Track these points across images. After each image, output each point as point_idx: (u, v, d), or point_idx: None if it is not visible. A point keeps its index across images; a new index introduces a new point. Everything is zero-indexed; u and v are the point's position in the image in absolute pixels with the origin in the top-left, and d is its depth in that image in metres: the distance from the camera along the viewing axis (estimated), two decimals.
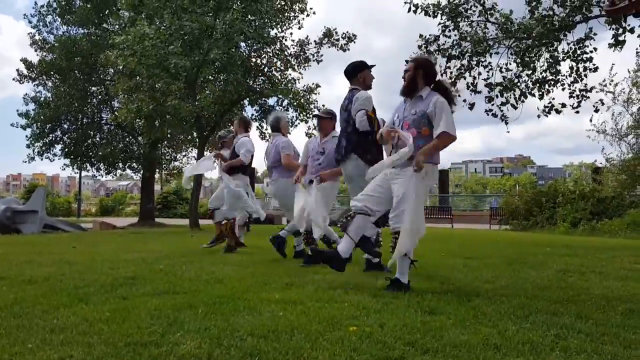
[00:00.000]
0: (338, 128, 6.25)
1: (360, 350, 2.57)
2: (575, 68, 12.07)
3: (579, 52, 11.89)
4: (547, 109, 12.40)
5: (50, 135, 24.76)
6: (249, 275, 5.05)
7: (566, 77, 12.24)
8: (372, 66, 5.66)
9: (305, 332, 2.87)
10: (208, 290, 4.20)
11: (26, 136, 24.34)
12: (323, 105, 19.73)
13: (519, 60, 12.26)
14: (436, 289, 4.34)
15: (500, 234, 15.42)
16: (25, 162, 24.66)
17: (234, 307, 3.52)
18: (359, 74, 5.53)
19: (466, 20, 12.46)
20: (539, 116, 12.61)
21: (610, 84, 19.34)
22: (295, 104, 18.53)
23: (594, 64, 11.96)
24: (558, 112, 12.36)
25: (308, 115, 18.67)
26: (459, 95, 11.42)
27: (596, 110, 12.79)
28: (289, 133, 7.41)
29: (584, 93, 12.20)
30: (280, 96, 18.36)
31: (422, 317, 3.28)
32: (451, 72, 12.86)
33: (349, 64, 5.70)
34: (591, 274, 5.55)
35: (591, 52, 11.85)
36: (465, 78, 12.83)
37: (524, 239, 11.93)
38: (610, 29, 11.20)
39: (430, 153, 4.38)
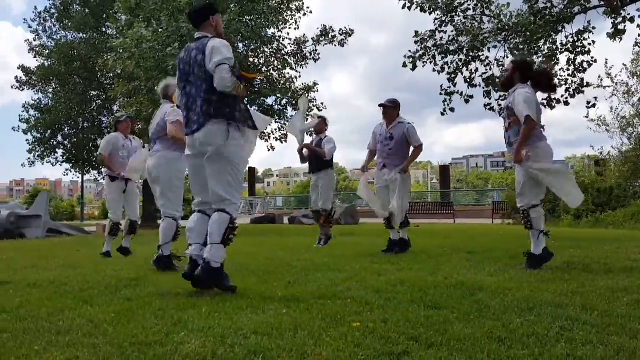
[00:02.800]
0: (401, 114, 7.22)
1: (364, 345, 2.57)
2: (572, 60, 12.05)
3: (577, 44, 11.87)
4: (544, 102, 12.38)
5: (52, 140, 24.78)
6: (251, 274, 5.06)
7: (563, 71, 12.23)
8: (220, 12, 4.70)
9: (308, 329, 2.87)
10: (211, 289, 4.20)
11: (27, 141, 24.38)
12: (322, 104, 19.77)
13: (516, 52, 12.25)
14: (439, 283, 4.34)
15: (503, 228, 15.40)
16: (25, 166, 24.63)
17: (237, 305, 3.52)
18: (211, 16, 4.34)
19: (462, 14, 12.46)
20: (545, 105, 12.57)
21: (608, 77, 19.32)
22: (294, 102, 18.53)
23: (592, 57, 11.94)
24: (551, 107, 12.37)
25: (307, 113, 18.62)
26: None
27: (593, 106, 12.76)
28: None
29: (580, 88, 12.18)
30: (279, 95, 18.36)
31: (425, 312, 3.28)
32: (449, 68, 12.86)
33: (194, 6, 4.94)
34: (596, 265, 5.55)
35: (589, 44, 11.83)
36: (462, 73, 12.83)
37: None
38: (610, 18, 11.18)
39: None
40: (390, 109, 7.15)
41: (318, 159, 8.61)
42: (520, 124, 5.24)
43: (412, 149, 7.07)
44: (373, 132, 7.40)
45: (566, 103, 12.35)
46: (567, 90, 12.29)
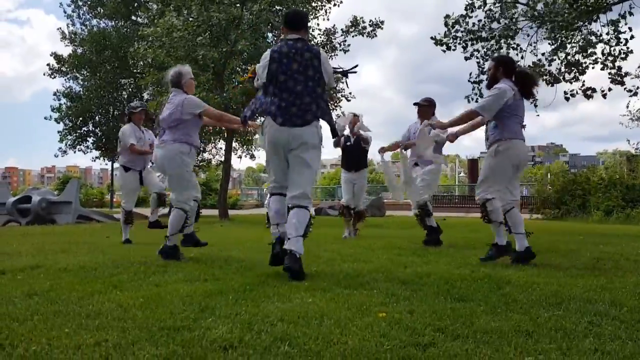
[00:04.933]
0: (436, 113, 7.22)
1: (389, 336, 2.57)
2: (609, 51, 11.76)
3: (613, 35, 11.58)
4: (574, 92, 12.13)
5: (82, 128, 25.18)
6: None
7: (598, 62, 11.95)
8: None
9: (334, 318, 2.88)
10: (238, 277, 4.24)
11: (58, 131, 24.83)
12: (350, 94, 19.71)
13: (552, 42, 12.00)
14: (466, 276, 4.31)
15: (531, 222, 15.21)
16: (57, 156, 25.16)
17: (263, 293, 3.55)
18: (308, 24, 5.00)
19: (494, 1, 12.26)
20: (567, 99, 12.34)
21: None
22: None
23: (628, 47, 11.64)
24: (588, 97, 12.09)
25: (336, 104, 18.63)
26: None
27: (635, 94, 12.44)
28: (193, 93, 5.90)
29: (620, 76, 11.88)
30: None
31: (451, 304, 3.26)
32: (479, 54, 12.69)
33: (295, 10, 5.44)
34: (625, 261, 5.45)
35: (624, 32, 11.52)
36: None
37: (556, 228, 11.76)
38: None
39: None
40: (425, 107, 7.20)
41: (360, 157, 8.75)
42: (499, 119, 5.22)
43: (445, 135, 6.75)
44: (408, 127, 7.47)
45: (603, 95, 12.09)
46: (612, 81, 11.99)
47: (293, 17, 4.71)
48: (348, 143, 8.75)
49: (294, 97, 4.39)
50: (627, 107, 21.73)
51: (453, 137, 6.36)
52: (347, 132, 8.83)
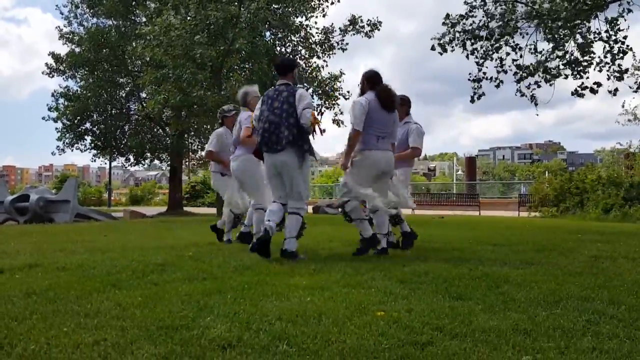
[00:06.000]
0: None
1: (387, 334, 2.58)
2: (608, 49, 11.75)
3: (611, 32, 11.57)
4: (580, 89, 12.12)
5: (80, 127, 25.14)
6: (275, 262, 5.09)
7: (600, 59, 11.93)
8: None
9: (332, 316, 2.88)
10: (236, 276, 4.24)
11: (56, 129, 24.78)
12: (348, 92, 19.71)
13: (549, 39, 12.00)
14: (464, 275, 4.31)
15: (529, 220, 15.24)
16: (55, 154, 25.21)
17: (262, 292, 3.56)
18: (294, 70, 5.69)
19: (493, 1, 12.26)
20: (579, 95, 12.30)
21: None
22: (320, 91, 18.51)
23: (627, 45, 11.63)
24: (594, 91, 12.06)
25: (333, 102, 18.63)
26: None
27: (635, 91, 12.44)
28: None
29: (620, 72, 11.87)
30: (305, 84, 18.37)
31: (450, 303, 3.27)
32: (478, 53, 12.68)
33: (285, 59, 6.55)
34: (623, 260, 5.46)
35: (622, 30, 11.52)
36: (492, 59, 12.64)
37: (554, 226, 11.78)
38: None
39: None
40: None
41: None
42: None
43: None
44: None
45: (613, 94, 12.08)
46: (608, 78, 11.98)
47: (279, 66, 5.79)
48: None
49: (274, 127, 5.37)
50: (623, 106, 21.75)
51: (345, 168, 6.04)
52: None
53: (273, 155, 5.41)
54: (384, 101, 5.58)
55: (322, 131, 5.54)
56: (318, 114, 18.45)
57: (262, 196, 6.29)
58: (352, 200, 5.69)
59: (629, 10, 11.36)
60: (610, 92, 12.12)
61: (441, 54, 12.77)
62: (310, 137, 5.46)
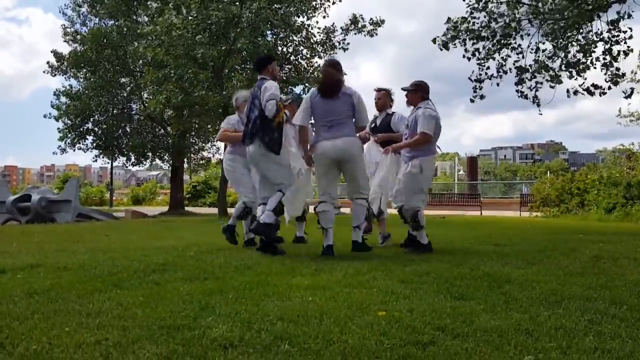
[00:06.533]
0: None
1: (389, 334, 2.57)
2: (607, 50, 11.73)
3: (613, 33, 11.54)
4: (579, 89, 12.09)
5: (82, 127, 25.17)
6: (277, 261, 5.09)
7: (599, 60, 11.90)
8: (277, 60, 6.38)
9: (334, 316, 2.88)
10: (238, 276, 4.24)
11: (58, 128, 24.82)
12: None
13: (550, 40, 11.96)
14: (466, 275, 4.31)
15: (531, 220, 15.23)
16: (57, 153, 25.27)
17: (263, 292, 3.55)
18: (268, 65, 5.83)
19: (495, 1, 12.23)
20: (569, 96, 12.28)
21: None
22: None
23: (628, 47, 11.60)
24: (591, 93, 12.04)
25: None
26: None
27: (629, 96, 12.38)
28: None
29: (617, 76, 11.84)
30: (307, 84, 18.36)
31: (451, 303, 3.26)
32: (479, 54, 12.65)
33: (259, 57, 6.71)
34: (625, 260, 5.45)
35: (624, 32, 11.49)
36: (494, 59, 12.61)
37: (555, 226, 11.77)
38: None
39: None
40: (412, 92, 6.21)
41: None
42: None
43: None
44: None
45: (603, 93, 12.05)
46: (607, 80, 11.95)
47: (255, 63, 6.30)
48: (373, 125, 7.17)
49: (250, 122, 5.65)
50: (620, 112, 21.69)
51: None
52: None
53: (247, 149, 5.73)
54: (320, 89, 5.73)
55: (285, 122, 5.62)
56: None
57: (244, 191, 6.62)
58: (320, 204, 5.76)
59: (629, 15, 11.34)
60: (602, 91, 12.05)
61: (441, 49, 12.73)
62: (278, 128, 5.54)
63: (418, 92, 6.15)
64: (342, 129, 5.58)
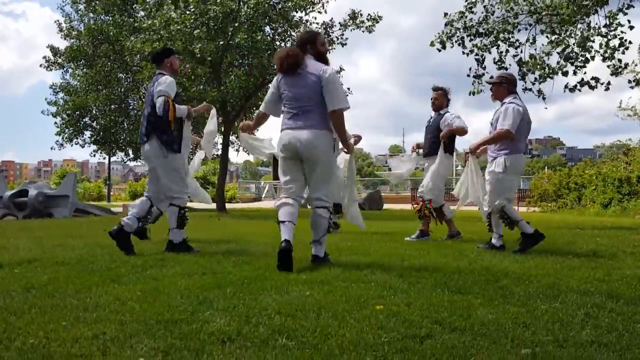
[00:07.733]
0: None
1: (387, 328, 2.58)
2: (605, 44, 11.69)
3: (612, 27, 11.49)
4: (578, 85, 12.07)
5: (79, 122, 25.10)
6: (275, 256, 5.08)
7: (599, 52, 11.86)
8: (177, 53, 6.15)
9: (332, 310, 2.88)
10: (236, 271, 4.25)
11: (55, 124, 24.74)
12: (348, 88, 19.67)
13: (548, 35, 11.94)
14: (463, 269, 4.32)
15: (528, 215, 15.24)
16: (54, 149, 25.12)
17: (261, 286, 3.55)
18: (165, 59, 5.60)
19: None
20: (570, 90, 12.24)
21: None
22: None
23: (626, 40, 11.56)
24: (592, 87, 12.01)
25: None
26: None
27: (637, 84, 12.33)
28: None
29: (619, 67, 11.78)
30: None
31: (449, 297, 3.27)
32: (478, 50, 12.62)
33: (155, 51, 6.63)
34: (622, 254, 5.48)
35: (622, 25, 11.45)
36: (490, 52, 12.58)
37: (553, 221, 11.78)
38: None
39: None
40: (496, 85, 5.98)
41: (432, 142, 7.20)
42: None
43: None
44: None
45: (606, 89, 12.04)
46: (612, 74, 11.91)
47: (152, 57, 6.12)
48: (427, 124, 7.37)
49: (144, 120, 5.57)
50: (620, 105, 21.69)
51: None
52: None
53: (142, 148, 5.65)
54: (276, 64, 4.73)
55: (187, 119, 5.59)
56: None
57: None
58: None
59: (630, 6, 11.29)
60: (607, 86, 12.03)
61: (439, 50, 12.72)
62: (171, 127, 5.35)
63: (503, 85, 5.85)
64: (309, 118, 4.50)
